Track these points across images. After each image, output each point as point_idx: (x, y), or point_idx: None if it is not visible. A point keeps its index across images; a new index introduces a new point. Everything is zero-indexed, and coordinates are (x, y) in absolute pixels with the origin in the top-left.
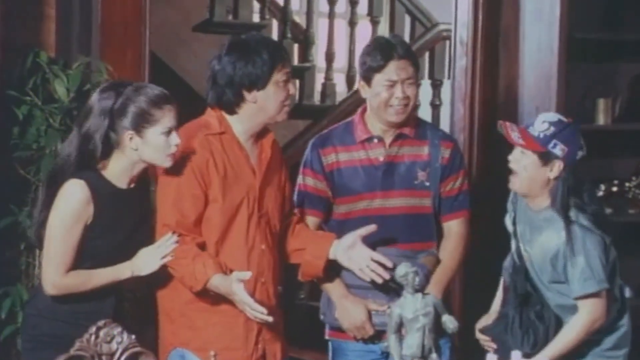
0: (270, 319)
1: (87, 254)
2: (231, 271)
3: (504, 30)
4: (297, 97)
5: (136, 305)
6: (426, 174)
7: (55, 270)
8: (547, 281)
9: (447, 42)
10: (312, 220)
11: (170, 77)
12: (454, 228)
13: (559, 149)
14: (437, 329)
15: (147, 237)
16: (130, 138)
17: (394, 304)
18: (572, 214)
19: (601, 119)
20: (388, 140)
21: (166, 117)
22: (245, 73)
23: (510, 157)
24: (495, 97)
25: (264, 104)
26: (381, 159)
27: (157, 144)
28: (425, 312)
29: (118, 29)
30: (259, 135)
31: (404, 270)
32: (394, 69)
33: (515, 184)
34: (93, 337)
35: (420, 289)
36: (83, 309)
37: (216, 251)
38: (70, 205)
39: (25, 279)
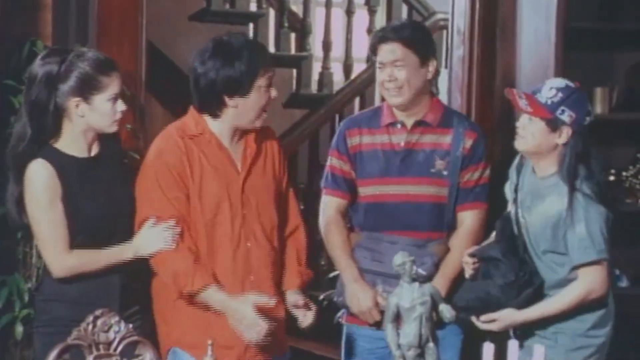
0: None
1: (75, 228)
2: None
3: (502, 20)
4: (294, 86)
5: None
6: (445, 163)
7: (54, 251)
8: (542, 250)
9: (444, 32)
10: (335, 201)
11: (167, 66)
12: (466, 219)
13: (566, 116)
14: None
15: (131, 203)
16: (77, 105)
17: (391, 293)
18: (577, 182)
19: (598, 108)
20: (408, 126)
21: (113, 84)
22: (227, 79)
23: (518, 124)
24: (492, 87)
25: (244, 109)
26: (402, 144)
27: (104, 111)
28: (422, 301)
29: (115, 19)
30: (243, 132)
31: (400, 259)
32: (382, 52)
33: (522, 145)
34: (90, 327)
35: (429, 277)
36: (92, 287)
37: (203, 252)
38: (40, 186)
39: (23, 269)
